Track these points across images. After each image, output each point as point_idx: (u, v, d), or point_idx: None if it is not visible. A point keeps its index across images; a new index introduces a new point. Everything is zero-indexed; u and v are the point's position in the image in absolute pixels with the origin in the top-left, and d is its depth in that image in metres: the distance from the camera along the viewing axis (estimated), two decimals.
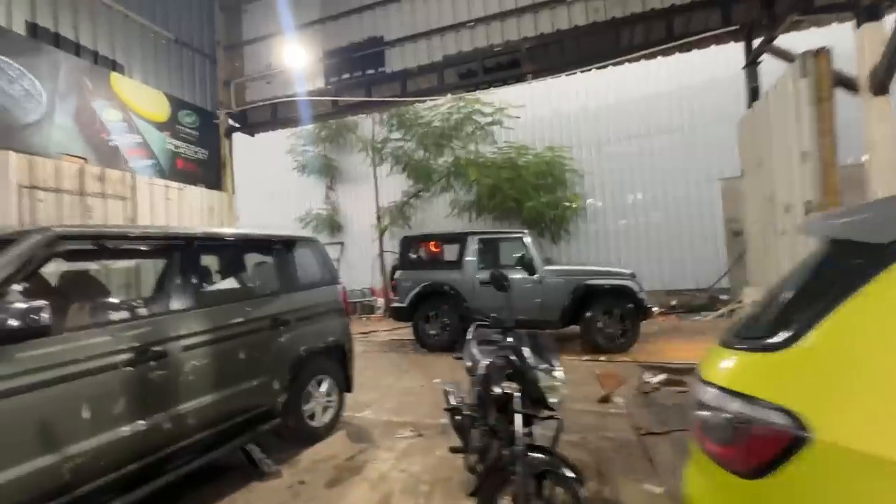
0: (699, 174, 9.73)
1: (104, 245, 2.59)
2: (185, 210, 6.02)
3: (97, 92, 5.49)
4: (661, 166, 10.02)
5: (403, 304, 7.07)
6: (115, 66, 5.90)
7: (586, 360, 5.77)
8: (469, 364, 3.22)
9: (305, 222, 13.16)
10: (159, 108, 6.30)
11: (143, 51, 6.28)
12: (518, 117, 9.50)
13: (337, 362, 4.06)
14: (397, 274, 7.25)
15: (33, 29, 4.98)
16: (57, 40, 5.19)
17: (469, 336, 3.53)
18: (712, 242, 9.63)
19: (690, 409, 1.38)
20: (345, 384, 4.13)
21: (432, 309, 6.97)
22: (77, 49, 5.41)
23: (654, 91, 10.05)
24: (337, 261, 13.19)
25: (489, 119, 9.34)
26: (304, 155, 12.96)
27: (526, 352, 2.32)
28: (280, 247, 3.76)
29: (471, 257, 6.79)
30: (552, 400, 2.18)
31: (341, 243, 13.48)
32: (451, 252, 7.37)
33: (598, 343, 6.07)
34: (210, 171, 6.95)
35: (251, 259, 3.90)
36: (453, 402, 3.31)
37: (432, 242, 7.32)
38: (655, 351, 6.07)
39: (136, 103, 5.99)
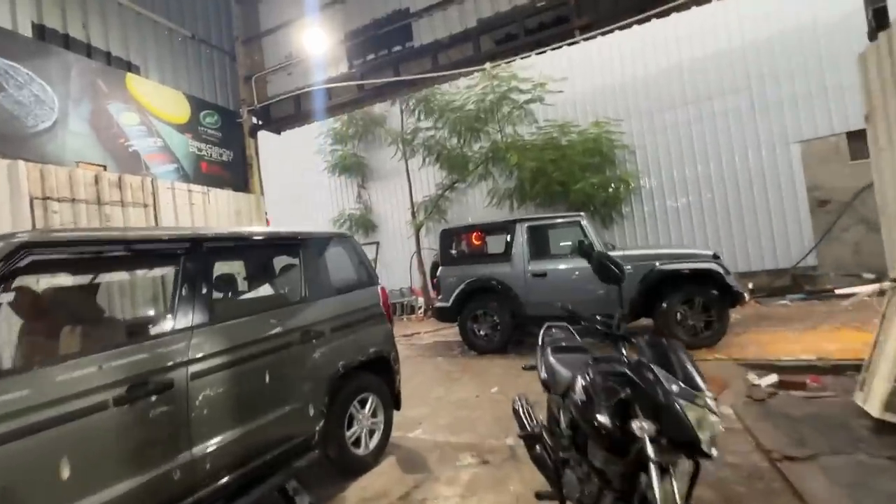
0: (772, 138, 8.51)
1: (88, 253, 2.08)
2: (212, 214, 5.64)
3: (113, 94, 5.17)
4: (724, 133, 8.85)
5: (447, 304, 6.44)
6: (130, 66, 5.59)
7: None
8: (545, 376, 2.54)
9: (339, 223, 12.79)
10: (179, 110, 5.96)
11: (158, 49, 5.96)
12: (561, 91, 8.62)
13: (381, 376, 3.47)
14: (439, 271, 6.62)
15: (41, 31, 4.69)
16: (66, 42, 4.90)
17: (542, 340, 2.84)
18: (793, 215, 8.40)
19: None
20: (392, 401, 3.54)
21: (480, 307, 6.30)
22: (88, 50, 5.12)
23: (713, 50, 8.88)
24: (374, 261, 12.77)
25: (528, 96, 8.52)
26: (334, 154, 12.57)
27: (655, 368, 1.61)
28: (309, 246, 3.19)
29: (520, 247, 6.06)
30: (704, 438, 1.46)
31: (377, 243, 13.04)
32: (496, 243, 6.66)
33: (676, 338, 5.20)
34: (236, 173, 6.58)
35: (277, 262, 3.36)
36: (529, 425, 2.62)
37: (475, 234, 6.64)
38: (747, 344, 5.13)
39: (155, 105, 5.66)
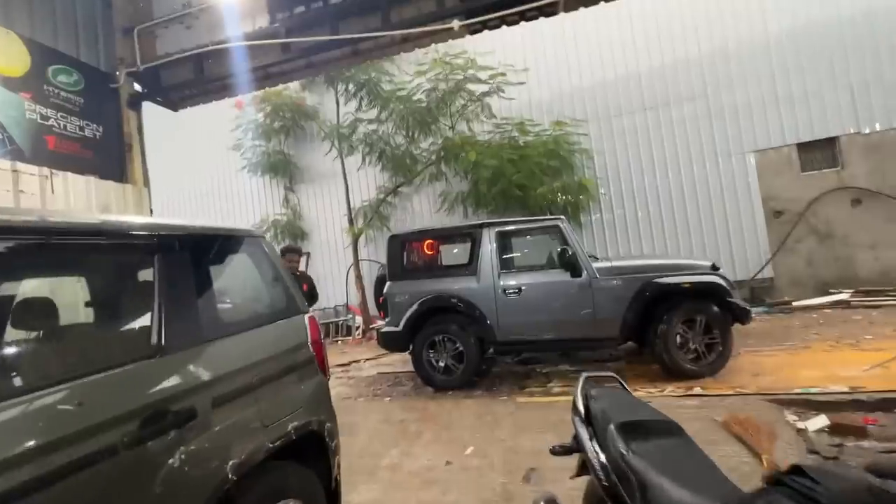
0: (728, 147, 8.32)
1: None
2: (60, 207, 3.88)
3: None
4: (682, 140, 8.56)
5: (397, 328, 5.14)
6: None
7: (676, 393, 4.02)
8: (602, 477, 1.40)
9: (262, 231, 10.93)
10: (11, 57, 4.13)
11: None
12: (522, 83, 7.78)
13: (311, 465, 2.12)
14: (386, 287, 5.31)
15: None
16: None
17: (585, 404, 1.70)
18: (750, 226, 8.22)
19: None
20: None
21: (438, 332, 5.07)
22: None
23: (670, 56, 8.59)
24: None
25: (486, 88, 7.58)
26: (255, 151, 10.77)
27: None
28: (174, 251, 1.79)
29: (489, 258, 4.95)
30: None
31: (307, 254, 11.34)
32: (458, 253, 5.52)
33: (677, 365, 4.36)
34: (106, 156, 4.80)
35: (101, 281, 1.89)
36: None
37: (432, 241, 5.44)
38: (752, 370, 4.42)
39: None
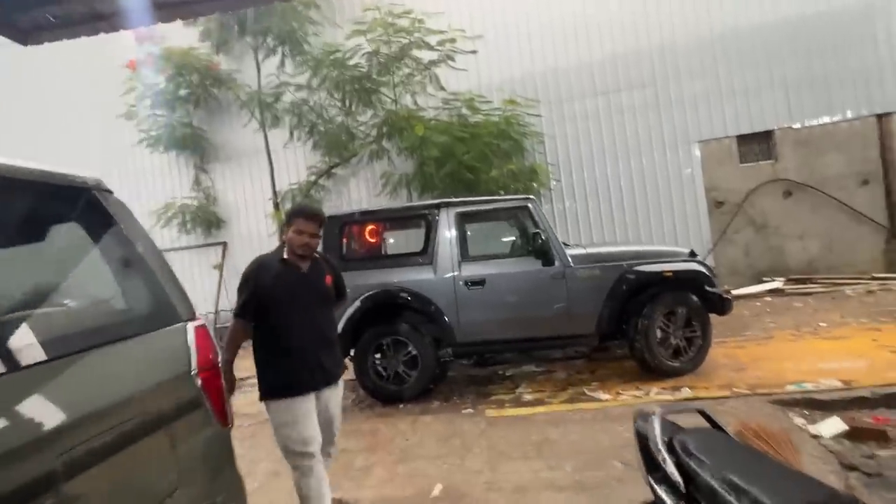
0: (675, 136, 8.29)
1: None
2: None
3: None
4: (632, 127, 8.40)
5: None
6: None
7: (664, 396, 3.55)
8: None
9: (165, 217, 9.24)
10: None
11: None
12: (475, 52, 7.05)
13: None
14: None
15: None
16: None
17: (677, 463, 0.94)
18: (694, 216, 8.26)
19: None
20: None
21: (386, 333, 4.21)
22: None
23: (621, 42, 8.37)
24: (219, 269, 9.54)
25: (435, 55, 6.75)
26: (154, 122, 9.00)
27: None
28: None
29: (447, 244, 4.17)
30: None
31: (223, 244, 9.81)
32: (411, 239, 4.68)
33: (659, 362, 3.91)
34: None
35: None
36: None
37: (380, 224, 4.53)
38: (726, 363, 4.12)
39: None
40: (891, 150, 7.72)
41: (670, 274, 3.93)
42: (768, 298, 7.24)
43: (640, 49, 8.31)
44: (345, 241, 4.36)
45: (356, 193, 9.07)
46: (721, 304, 3.99)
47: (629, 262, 4.01)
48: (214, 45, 8.73)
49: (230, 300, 9.80)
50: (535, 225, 4.09)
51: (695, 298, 3.98)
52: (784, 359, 4.04)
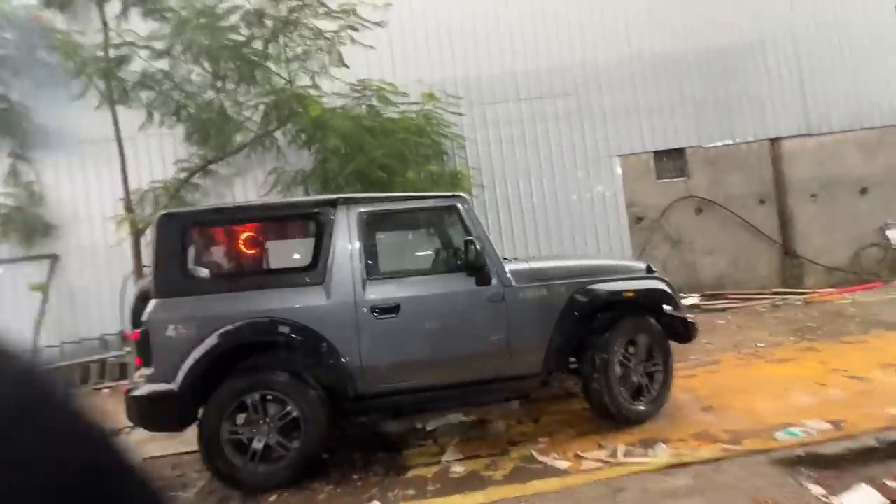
0: (597, 149, 8.03)
1: None
2: None
3: None
4: (555, 137, 7.98)
5: (171, 385, 2.73)
6: None
7: (637, 459, 2.67)
8: None
9: None
10: None
11: None
12: (383, 24, 5.93)
13: None
14: (148, 309, 2.84)
15: None
16: None
17: None
18: (615, 231, 8.01)
19: None
20: None
21: (252, 386, 2.85)
22: None
23: (545, 48, 7.97)
24: (44, 289, 7.17)
25: (336, 26, 5.54)
26: None
27: None
28: None
29: (346, 256, 2.96)
30: None
31: (53, 257, 7.42)
32: (293, 250, 3.38)
33: (620, 407, 3.07)
34: None
35: None
36: None
37: (245, 227, 3.16)
38: (687, 401, 3.45)
39: None
40: (782, 173, 8.21)
41: (632, 294, 3.16)
42: (690, 315, 7.06)
43: (563, 58, 7.99)
44: (188, 251, 2.93)
45: (242, 195, 7.39)
46: (686, 330, 3.31)
47: (581, 280, 3.16)
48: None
49: (60, 333, 7.41)
50: (467, 231, 3.07)
51: (656, 324, 3.25)
52: (747, 391, 3.47)
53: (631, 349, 3.20)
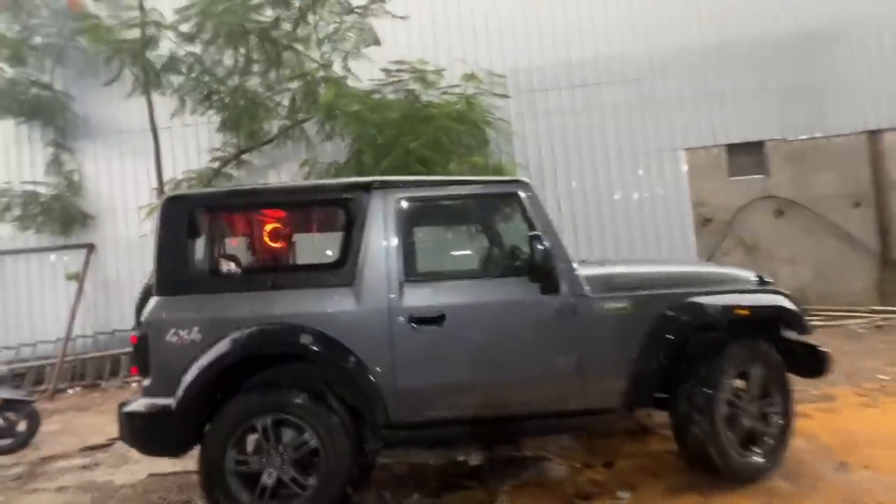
0: (660, 141, 7.16)
1: None
2: None
3: None
4: (612, 129, 7.18)
5: (166, 402, 2.26)
6: None
7: None
8: None
9: None
10: None
11: None
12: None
13: None
14: (148, 309, 2.39)
15: None
16: None
17: None
18: (679, 234, 7.11)
19: None
20: None
21: (263, 407, 2.33)
22: None
23: (603, 29, 7.19)
24: (79, 278, 7.09)
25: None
26: None
27: None
28: None
29: (381, 252, 2.40)
30: None
31: (90, 246, 7.36)
32: (317, 244, 2.87)
33: (727, 459, 2.35)
34: None
35: None
36: None
37: (258, 215, 2.66)
38: (805, 451, 2.67)
39: None
40: (882, 171, 7.05)
41: (746, 312, 2.42)
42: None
43: (624, 41, 7.18)
44: (196, 242, 2.46)
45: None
46: (815, 362, 2.54)
47: (677, 292, 2.46)
48: None
49: (94, 323, 7.35)
50: (531, 226, 2.44)
51: (774, 352, 2.50)
52: (891, 443, 2.65)
53: (741, 383, 2.47)
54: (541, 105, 7.17)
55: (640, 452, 2.88)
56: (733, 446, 2.38)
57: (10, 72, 6.72)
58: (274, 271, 2.65)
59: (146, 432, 2.34)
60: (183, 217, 2.43)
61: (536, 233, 2.33)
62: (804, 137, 7.06)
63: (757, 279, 2.70)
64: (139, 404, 2.34)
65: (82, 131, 7.34)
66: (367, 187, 2.47)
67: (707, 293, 2.47)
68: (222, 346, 2.29)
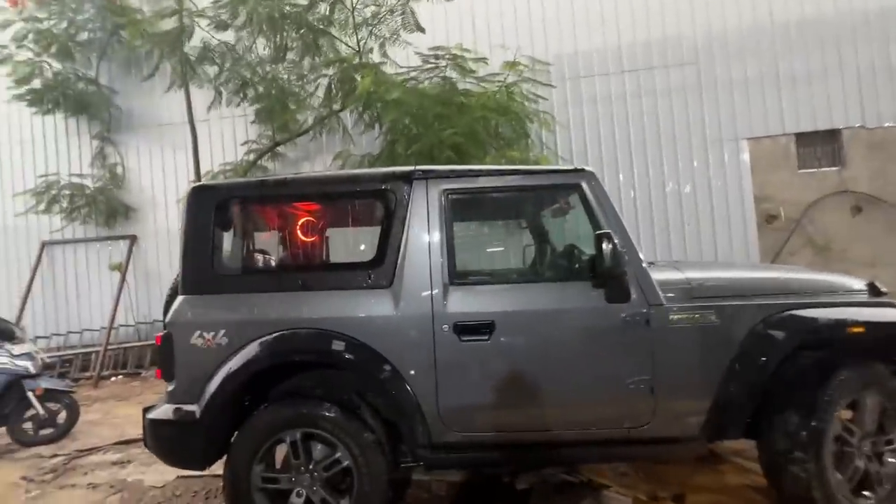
0: (719, 130, 6.55)
1: None
2: None
3: None
4: (666, 117, 6.62)
5: (190, 410, 2.08)
6: None
7: None
8: None
9: (43, 199, 6.91)
10: None
11: None
12: None
13: None
14: (174, 309, 2.21)
15: None
16: None
17: None
18: (740, 233, 6.49)
19: None
20: None
21: (292, 422, 2.11)
22: None
23: (658, 8, 6.63)
24: (122, 268, 7.23)
25: None
26: (35, 69, 6.69)
27: None
28: None
29: (423, 251, 2.13)
30: None
31: (132, 238, 7.51)
32: (351, 241, 2.63)
33: None
34: None
35: None
36: None
37: (288, 207, 2.44)
38: None
39: None
40: None
41: (861, 329, 2.00)
42: None
43: (679, 19, 6.58)
44: (224, 236, 2.26)
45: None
46: None
47: (773, 303, 2.06)
48: None
49: (135, 313, 7.52)
50: (596, 222, 2.10)
51: (893, 378, 2.06)
52: None
53: (849, 414, 2.05)
54: (586, 92, 6.70)
55: (714, 485, 2.49)
56: (843, 491, 1.97)
57: (57, 66, 6.87)
58: (306, 270, 2.42)
59: (169, 441, 2.17)
60: (210, 209, 2.23)
61: (605, 231, 1.98)
62: (888, 125, 6.27)
63: (866, 288, 2.24)
64: (163, 410, 2.17)
65: (125, 124, 7.48)
66: (407, 177, 2.20)
67: (810, 305, 2.06)
68: (249, 352, 2.09)
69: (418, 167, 2.24)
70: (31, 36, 6.53)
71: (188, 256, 2.24)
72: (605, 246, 1.95)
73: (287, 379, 2.26)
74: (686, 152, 6.56)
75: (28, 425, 4.00)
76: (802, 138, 6.45)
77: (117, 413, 5.00)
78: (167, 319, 2.22)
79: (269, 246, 2.49)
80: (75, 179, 7.18)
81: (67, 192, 7.08)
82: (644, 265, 2.11)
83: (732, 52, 6.49)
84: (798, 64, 6.39)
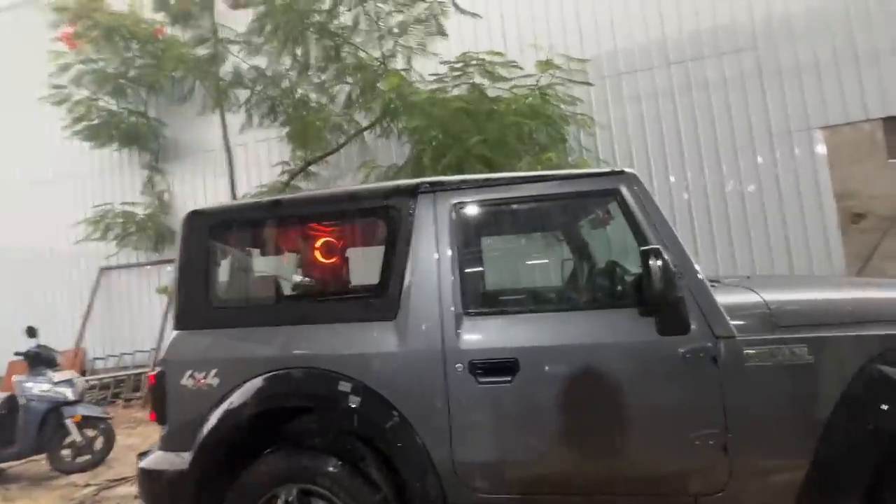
0: (786, 120, 5.79)
1: None
2: None
3: None
4: (722, 110, 5.96)
5: (178, 460, 1.87)
6: None
7: None
8: None
9: (96, 227, 7.29)
10: None
11: None
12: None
13: None
14: (167, 346, 2.03)
15: None
16: None
17: None
18: (817, 235, 5.66)
19: None
20: None
21: (289, 477, 1.84)
22: None
23: None
24: (166, 293, 7.47)
25: None
26: (81, 107, 7.12)
27: None
28: None
29: (432, 276, 1.81)
30: None
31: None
32: (352, 264, 2.37)
33: None
34: None
35: None
36: None
37: (283, 229, 2.21)
38: None
39: None
40: None
41: None
42: None
43: (732, 6, 5.94)
44: (219, 263, 2.07)
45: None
46: None
47: (885, 334, 1.55)
48: (171, 16, 6.78)
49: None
50: (642, 236, 1.69)
51: None
52: None
53: None
54: (628, 89, 6.18)
55: None
56: None
57: (111, 103, 7.30)
58: (301, 300, 2.18)
59: (159, 494, 1.97)
60: (203, 235, 2.05)
61: (653, 247, 1.57)
62: None
63: None
64: (153, 459, 1.98)
65: (172, 153, 7.82)
66: (412, 191, 1.90)
67: None
68: (238, 396, 1.85)
69: (425, 180, 1.94)
70: (87, 77, 6.99)
71: (181, 288, 2.07)
72: (654, 264, 1.55)
73: (287, 421, 2.00)
74: (747, 147, 5.85)
75: (66, 452, 4.05)
76: (891, 123, 5.55)
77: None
78: (160, 357, 2.05)
79: (265, 274, 2.28)
80: (127, 208, 7.53)
81: (120, 219, 7.44)
82: (706, 285, 1.67)
83: (798, 33, 5.75)
84: (880, 37, 5.55)
